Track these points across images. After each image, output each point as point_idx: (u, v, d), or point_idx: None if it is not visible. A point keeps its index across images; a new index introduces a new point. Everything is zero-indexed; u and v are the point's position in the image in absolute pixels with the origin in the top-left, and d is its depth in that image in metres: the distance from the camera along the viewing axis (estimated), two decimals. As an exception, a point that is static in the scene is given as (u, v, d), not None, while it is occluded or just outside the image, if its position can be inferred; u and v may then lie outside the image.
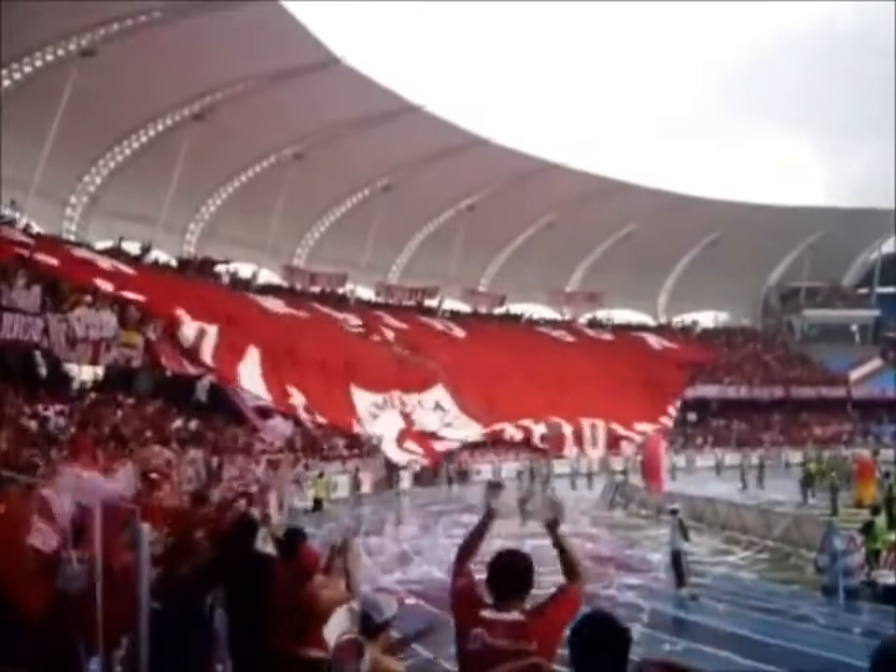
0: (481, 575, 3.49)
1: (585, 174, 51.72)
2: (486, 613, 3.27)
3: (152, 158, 40.98)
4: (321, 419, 33.02)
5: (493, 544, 3.73)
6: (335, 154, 44.84)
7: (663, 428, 44.58)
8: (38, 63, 34.71)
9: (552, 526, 3.56)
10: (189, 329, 29.88)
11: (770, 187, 69.97)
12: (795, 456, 40.50)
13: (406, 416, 38.66)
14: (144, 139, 42.06)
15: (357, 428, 35.18)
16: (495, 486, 4.00)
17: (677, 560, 13.58)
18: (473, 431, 40.32)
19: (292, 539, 5.67)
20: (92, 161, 41.76)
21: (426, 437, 37.87)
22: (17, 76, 34.70)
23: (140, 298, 29.36)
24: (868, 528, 12.71)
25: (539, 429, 42.81)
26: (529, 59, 73.06)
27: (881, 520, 12.43)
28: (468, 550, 3.69)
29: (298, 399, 32.09)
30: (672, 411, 48.84)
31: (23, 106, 33.27)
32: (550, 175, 50.93)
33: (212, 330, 30.43)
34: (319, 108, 41.73)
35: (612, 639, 2.60)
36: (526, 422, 42.70)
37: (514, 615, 3.24)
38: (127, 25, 34.19)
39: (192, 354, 29.13)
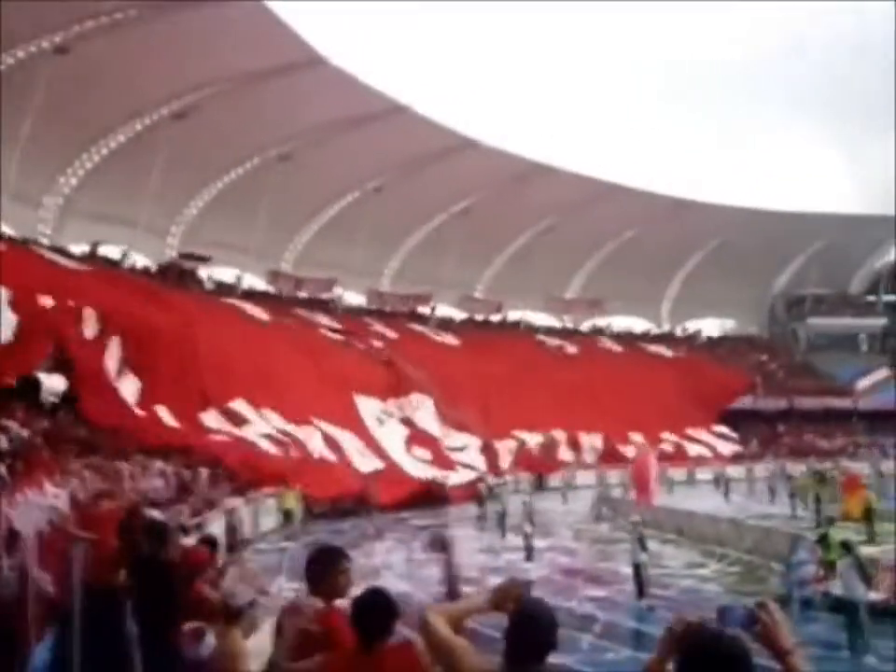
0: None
1: (582, 176, 52.47)
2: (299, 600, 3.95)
3: (131, 158, 41.54)
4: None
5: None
6: (322, 155, 45.67)
7: (655, 443, 44.84)
8: (10, 61, 35.11)
9: None
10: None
11: (778, 191, 70.30)
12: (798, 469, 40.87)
13: (406, 421, 39.11)
14: (122, 139, 42.66)
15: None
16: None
17: (637, 572, 14.22)
18: (471, 443, 40.52)
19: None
20: (68, 162, 42.33)
21: (432, 440, 38.25)
22: (-13, 73, 35.27)
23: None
24: (823, 539, 13.30)
25: (533, 440, 43.34)
26: (521, 58, 73.40)
27: (835, 531, 13.03)
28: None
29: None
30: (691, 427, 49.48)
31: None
32: (546, 178, 51.67)
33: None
34: (304, 109, 42.53)
35: (382, 609, 3.43)
36: (521, 434, 43.13)
37: (319, 603, 3.89)
38: (102, 23, 34.86)
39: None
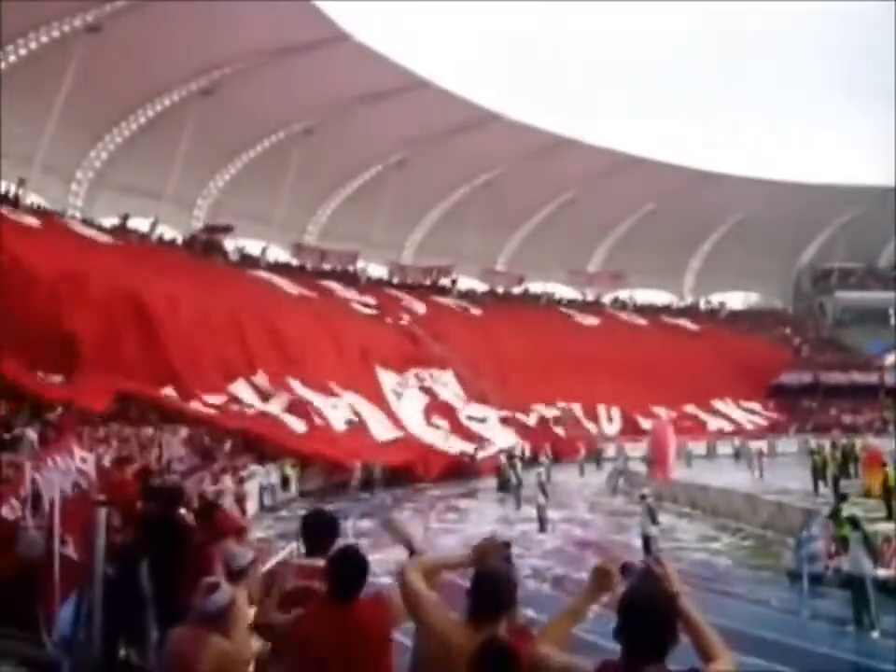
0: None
1: (604, 149, 52.07)
2: (300, 560, 4.05)
3: (159, 133, 42.04)
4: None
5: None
6: (345, 129, 45.65)
7: (679, 415, 44.65)
8: (43, 39, 35.85)
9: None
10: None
11: (804, 163, 69.16)
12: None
13: (427, 391, 39.15)
14: (150, 114, 43.15)
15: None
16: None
17: (646, 544, 14.25)
18: (491, 415, 40.45)
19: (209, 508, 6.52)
20: (98, 137, 42.84)
21: (451, 410, 38.31)
22: (22, 51, 35.86)
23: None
24: (836, 514, 13.21)
25: (551, 413, 43.26)
26: (542, 32, 72.63)
27: (847, 506, 12.93)
28: None
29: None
30: (716, 400, 49.15)
31: (29, 82, 34.36)
32: (568, 150, 51.30)
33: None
34: (328, 83, 42.47)
35: (355, 566, 3.64)
36: (540, 407, 43.07)
37: (320, 562, 3.99)
38: (132, 1, 35.14)
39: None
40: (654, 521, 14.53)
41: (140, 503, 7.71)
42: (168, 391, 24.88)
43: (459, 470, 31.65)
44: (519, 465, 27.06)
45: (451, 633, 3.11)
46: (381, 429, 32.81)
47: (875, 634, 10.23)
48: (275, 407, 29.45)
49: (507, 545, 3.51)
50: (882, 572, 11.52)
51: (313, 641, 3.58)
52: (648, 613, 2.52)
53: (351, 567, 3.65)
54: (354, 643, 3.54)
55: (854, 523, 11.29)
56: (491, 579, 3.14)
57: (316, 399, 31.62)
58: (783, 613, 11.62)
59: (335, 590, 3.61)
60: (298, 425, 29.02)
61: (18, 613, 6.76)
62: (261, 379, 30.66)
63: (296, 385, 31.84)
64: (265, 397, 29.93)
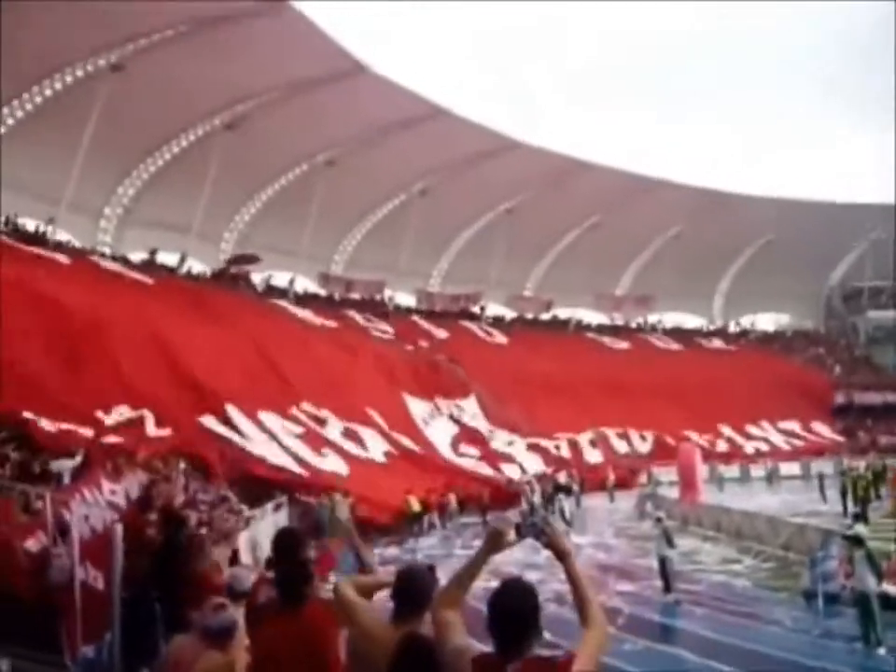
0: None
1: (627, 172, 52.48)
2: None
3: (185, 168, 43.27)
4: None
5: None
6: (368, 160, 46.63)
7: (715, 438, 44.56)
8: (69, 79, 37.29)
9: None
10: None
11: (832, 182, 69.05)
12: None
13: (455, 420, 39.49)
14: (176, 150, 44.51)
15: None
16: None
17: (662, 566, 14.44)
18: (518, 442, 40.45)
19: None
20: (126, 173, 44.29)
21: (479, 438, 38.52)
22: (48, 92, 37.33)
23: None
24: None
25: (585, 438, 43.22)
26: (560, 58, 73.52)
27: (861, 527, 13.00)
28: None
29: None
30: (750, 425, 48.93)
31: (55, 122, 35.82)
32: (591, 175, 51.84)
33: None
34: (349, 115, 43.55)
35: (298, 576, 4.22)
36: (572, 435, 43.00)
37: None
38: (154, 40, 36.45)
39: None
40: (670, 543, 14.66)
41: (149, 530, 8.25)
42: (224, 430, 24.93)
43: (503, 499, 31.52)
44: (530, 493, 27.09)
45: (376, 630, 3.52)
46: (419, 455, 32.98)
47: (882, 650, 10.38)
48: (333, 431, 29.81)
49: (431, 568, 3.78)
50: (892, 589, 11.66)
51: (269, 645, 4.09)
52: (512, 617, 2.82)
53: (296, 577, 4.22)
54: (304, 644, 4.01)
55: (858, 541, 11.45)
56: (408, 580, 3.56)
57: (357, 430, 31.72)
58: (796, 633, 11.76)
59: (283, 597, 4.19)
60: (356, 450, 29.43)
61: (42, 636, 7.28)
62: (311, 407, 30.92)
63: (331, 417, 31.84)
64: (321, 422, 30.23)
